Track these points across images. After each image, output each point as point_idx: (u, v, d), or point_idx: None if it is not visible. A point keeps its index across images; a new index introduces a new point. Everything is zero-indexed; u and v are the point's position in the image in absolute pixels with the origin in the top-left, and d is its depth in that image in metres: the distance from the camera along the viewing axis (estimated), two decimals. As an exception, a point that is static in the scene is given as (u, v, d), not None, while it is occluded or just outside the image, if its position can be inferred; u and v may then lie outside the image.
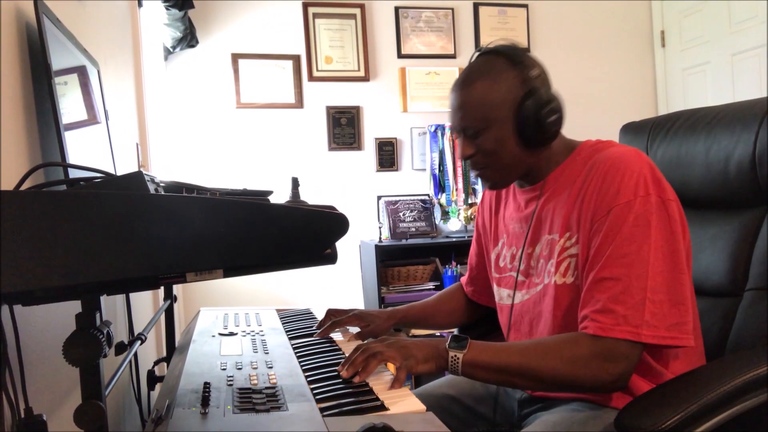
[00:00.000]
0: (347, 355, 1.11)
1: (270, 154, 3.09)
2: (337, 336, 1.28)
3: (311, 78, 3.14)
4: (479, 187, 3.09)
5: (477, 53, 1.14)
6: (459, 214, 3.16)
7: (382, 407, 0.84)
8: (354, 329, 1.30)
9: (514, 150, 1.09)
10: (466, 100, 1.09)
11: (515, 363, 0.98)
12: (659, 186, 0.99)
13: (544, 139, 1.08)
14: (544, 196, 1.12)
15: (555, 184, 1.11)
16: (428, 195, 3.21)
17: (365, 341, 1.10)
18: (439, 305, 1.46)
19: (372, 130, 3.24)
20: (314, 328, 1.31)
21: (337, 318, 1.29)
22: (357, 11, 3.21)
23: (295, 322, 1.39)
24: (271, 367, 1.00)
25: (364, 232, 3.15)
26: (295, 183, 1.09)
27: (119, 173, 1.03)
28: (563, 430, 1.01)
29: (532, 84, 1.07)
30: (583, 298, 0.99)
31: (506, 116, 1.07)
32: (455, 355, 0.98)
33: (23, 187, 0.76)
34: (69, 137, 0.98)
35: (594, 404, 1.06)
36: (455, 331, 1.48)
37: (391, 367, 1.00)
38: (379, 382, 0.96)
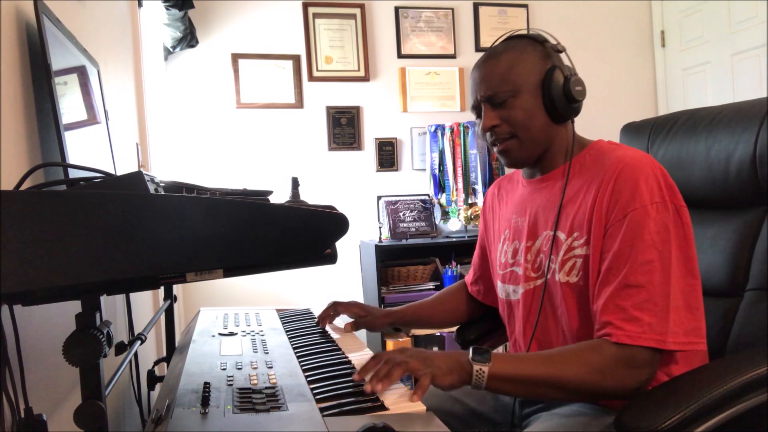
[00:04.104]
0: (349, 356, 1.11)
1: (270, 154, 3.09)
2: (338, 332, 1.29)
3: (311, 78, 3.14)
4: (479, 186, 3.08)
5: (499, 41, 1.15)
6: (459, 214, 3.16)
7: (382, 407, 0.84)
8: (349, 319, 1.36)
9: (541, 121, 1.09)
10: (493, 70, 1.10)
11: (541, 373, 0.94)
12: (672, 193, 0.99)
13: (570, 111, 1.09)
14: (556, 187, 1.11)
15: (570, 176, 1.10)
16: (428, 195, 3.21)
17: (378, 353, 1.01)
18: (437, 305, 1.46)
19: (372, 130, 3.24)
20: (316, 319, 1.38)
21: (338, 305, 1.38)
22: (357, 11, 3.21)
23: (295, 322, 1.39)
24: (271, 367, 1.00)
25: (364, 232, 3.15)
26: (295, 183, 1.09)
27: (119, 173, 1.03)
28: (564, 430, 1.01)
29: (556, 59, 1.09)
30: (604, 303, 0.96)
31: (534, 85, 1.08)
32: (480, 369, 0.93)
33: (23, 187, 0.76)
34: (69, 137, 0.98)
35: (594, 404, 1.05)
36: (454, 333, 1.48)
37: None
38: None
